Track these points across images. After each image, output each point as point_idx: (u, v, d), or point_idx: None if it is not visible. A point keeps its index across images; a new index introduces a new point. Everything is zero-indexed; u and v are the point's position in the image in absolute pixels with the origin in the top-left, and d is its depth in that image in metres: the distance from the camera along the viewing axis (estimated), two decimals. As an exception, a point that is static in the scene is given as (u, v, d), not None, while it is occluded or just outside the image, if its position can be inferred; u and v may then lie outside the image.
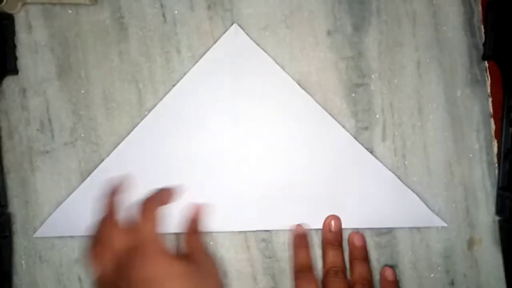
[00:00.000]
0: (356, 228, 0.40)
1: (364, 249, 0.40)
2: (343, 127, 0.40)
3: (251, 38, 0.40)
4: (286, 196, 0.40)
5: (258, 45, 0.40)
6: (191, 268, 0.32)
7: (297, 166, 0.40)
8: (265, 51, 0.40)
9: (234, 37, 0.40)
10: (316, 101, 0.40)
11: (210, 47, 0.40)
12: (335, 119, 0.40)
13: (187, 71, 0.40)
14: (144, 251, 0.31)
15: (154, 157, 0.40)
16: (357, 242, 0.40)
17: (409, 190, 0.40)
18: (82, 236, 0.40)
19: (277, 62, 0.40)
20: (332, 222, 0.40)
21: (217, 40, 0.40)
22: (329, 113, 0.40)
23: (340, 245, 0.39)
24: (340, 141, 0.40)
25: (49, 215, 0.40)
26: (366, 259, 0.39)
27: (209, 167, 0.40)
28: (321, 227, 0.40)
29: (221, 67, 0.40)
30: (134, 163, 0.40)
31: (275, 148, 0.40)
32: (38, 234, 0.40)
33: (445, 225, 0.40)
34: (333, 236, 0.39)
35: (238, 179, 0.40)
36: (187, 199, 0.39)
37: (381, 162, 0.40)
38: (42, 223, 0.40)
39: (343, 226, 0.40)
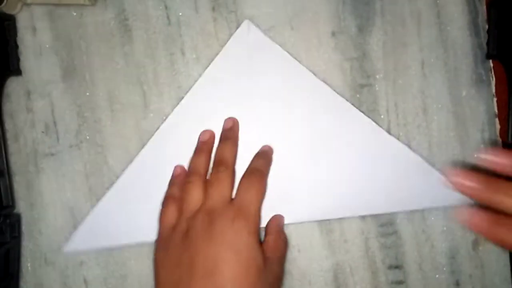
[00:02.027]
0: (389, 213, 0.40)
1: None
2: (366, 115, 0.40)
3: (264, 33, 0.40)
4: (312, 187, 0.40)
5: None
6: (262, 275, 0.33)
7: (324, 157, 0.40)
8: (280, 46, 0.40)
9: (247, 33, 0.39)
10: (336, 91, 0.40)
11: (215, 48, 0.40)
12: (357, 108, 0.40)
13: (195, 73, 0.40)
14: (235, 224, 0.34)
15: (177, 157, 0.40)
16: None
17: (437, 171, 0.39)
18: (110, 249, 0.40)
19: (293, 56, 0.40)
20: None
21: (228, 39, 0.40)
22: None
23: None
24: (363, 127, 0.40)
25: (55, 217, 0.40)
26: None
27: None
28: (350, 215, 0.40)
29: (236, 65, 0.39)
30: (157, 165, 0.40)
31: (299, 141, 0.40)
32: (66, 249, 0.40)
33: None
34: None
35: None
36: None
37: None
38: (47, 225, 0.40)
39: (376, 212, 0.40)
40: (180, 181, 0.39)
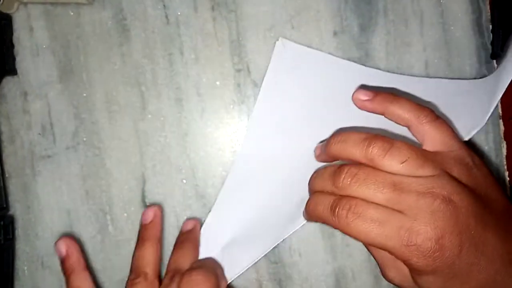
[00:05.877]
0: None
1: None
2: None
3: (300, 44, 0.39)
4: None
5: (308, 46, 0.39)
6: None
7: None
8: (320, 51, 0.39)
9: (284, 50, 0.39)
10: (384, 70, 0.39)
11: (214, 47, 0.39)
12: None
13: (194, 73, 0.39)
14: None
15: (255, 193, 0.39)
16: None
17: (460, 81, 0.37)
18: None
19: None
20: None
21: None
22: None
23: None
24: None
25: (51, 220, 0.40)
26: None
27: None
28: None
29: (286, 85, 0.38)
30: (238, 203, 0.39)
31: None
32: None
33: None
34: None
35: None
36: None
37: None
38: (44, 228, 0.40)
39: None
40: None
